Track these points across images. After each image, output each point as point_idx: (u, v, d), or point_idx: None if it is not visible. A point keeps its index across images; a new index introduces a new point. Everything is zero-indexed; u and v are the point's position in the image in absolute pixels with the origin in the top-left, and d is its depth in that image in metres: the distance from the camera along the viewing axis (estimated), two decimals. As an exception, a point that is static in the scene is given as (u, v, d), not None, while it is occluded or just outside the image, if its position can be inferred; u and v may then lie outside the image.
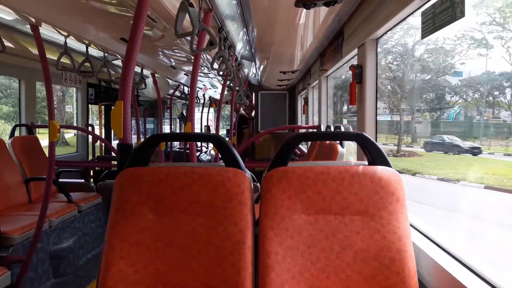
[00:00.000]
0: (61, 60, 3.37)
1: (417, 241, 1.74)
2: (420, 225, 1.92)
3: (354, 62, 2.70)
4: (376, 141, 2.47)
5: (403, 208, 1.50)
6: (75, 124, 6.08)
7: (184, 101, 10.54)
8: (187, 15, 1.85)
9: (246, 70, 5.74)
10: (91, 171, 5.60)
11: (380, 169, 1.54)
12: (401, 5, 1.86)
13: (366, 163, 1.61)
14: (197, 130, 10.58)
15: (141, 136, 6.29)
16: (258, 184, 3.06)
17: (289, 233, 1.47)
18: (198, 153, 7.82)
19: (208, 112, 11.10)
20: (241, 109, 8.49)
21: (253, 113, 8.16)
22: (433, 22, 1.68)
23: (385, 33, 2.37)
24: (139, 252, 1.46)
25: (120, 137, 1.56)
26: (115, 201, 1.53)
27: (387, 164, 1.56)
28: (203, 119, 10.41)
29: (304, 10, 2.46)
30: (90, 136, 5.48)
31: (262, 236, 1.48)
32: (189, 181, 1.52)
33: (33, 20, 2.53)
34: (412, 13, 1.96)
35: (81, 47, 3.74)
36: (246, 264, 1.43)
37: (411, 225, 1.86)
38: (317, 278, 1.44)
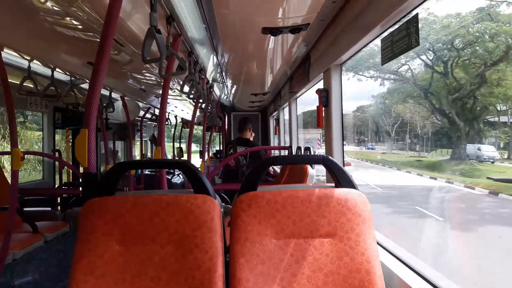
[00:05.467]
0: (25, 84, 3.28)
1: (385, 260, 1.76)
2: (388, 245, 1.96)
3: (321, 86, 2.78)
4: (343, 162, 2.53)
5: (370, 229, 1.52)
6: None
7: (155, 123, 10.42)
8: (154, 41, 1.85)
9: (218, 92, 5.76)
10: (58, 199, 5.41)
11: (346, 191, 1.57)
12: (363, 32, 1.94)
13: (333, 185, 1.64)
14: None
15: (109, 160, 6.15)
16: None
17: (260, 259, 1.47)
18: (170, 176, 7.70)
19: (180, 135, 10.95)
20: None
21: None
22: (391, 49, 1.77)
23: (349, 58, 2.45)
24: (105, 285, 1.42)
25: (85, 165, 1.52)
26: (80, 233, 1.49)
27: (352, 186, 1.60)
28: (175, 141, 10.31)
29: (272, 36, 2.52)
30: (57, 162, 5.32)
31: (233, 263, 1.46)
32: (157, 210, 1.50)
33: None
34: (373, 39, 2.05)
35: (47, 71, 3.66)
36: None
37: (379, 244, 1.89)
38: None
